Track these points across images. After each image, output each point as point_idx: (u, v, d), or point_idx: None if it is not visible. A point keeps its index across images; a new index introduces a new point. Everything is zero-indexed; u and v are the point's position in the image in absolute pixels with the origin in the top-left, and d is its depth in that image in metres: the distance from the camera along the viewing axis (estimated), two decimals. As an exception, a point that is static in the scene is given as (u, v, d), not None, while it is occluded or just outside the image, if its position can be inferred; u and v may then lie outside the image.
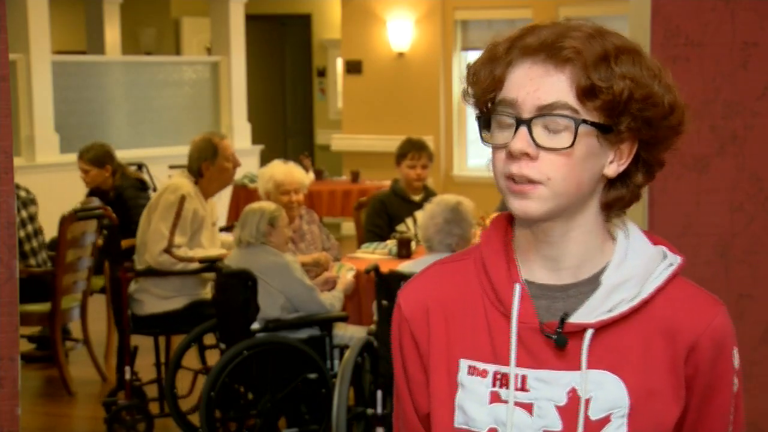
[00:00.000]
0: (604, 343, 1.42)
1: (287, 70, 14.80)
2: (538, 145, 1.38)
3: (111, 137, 9.65)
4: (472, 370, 1.46)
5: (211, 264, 5.12)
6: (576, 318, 1.42)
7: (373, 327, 4.67)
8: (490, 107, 1.44)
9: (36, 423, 5.64)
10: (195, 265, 5.21)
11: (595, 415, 1.41)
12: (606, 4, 9.95)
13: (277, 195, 5.44)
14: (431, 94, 11.14)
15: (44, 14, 9.64)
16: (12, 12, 8.83)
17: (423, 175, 6.07)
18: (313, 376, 4.71)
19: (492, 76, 1.43)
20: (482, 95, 1.44)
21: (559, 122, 1.38)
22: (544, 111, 1.38)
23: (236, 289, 4.70)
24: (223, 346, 4.90)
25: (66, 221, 5.81)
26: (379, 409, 4.47)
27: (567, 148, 1.38)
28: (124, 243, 5.61)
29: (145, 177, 7.18)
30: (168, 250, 5.19)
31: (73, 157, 7.37)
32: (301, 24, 14.13)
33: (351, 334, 4.96)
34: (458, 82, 11.18)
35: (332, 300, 4.95)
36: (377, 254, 5.66)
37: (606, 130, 1.40)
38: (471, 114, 12.37)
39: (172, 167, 9.12)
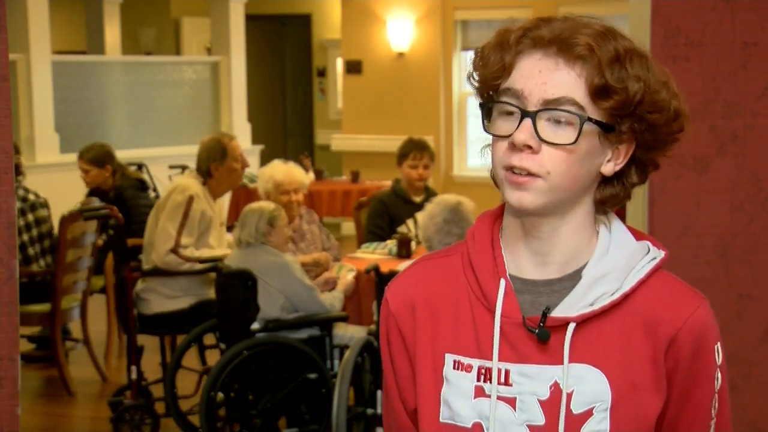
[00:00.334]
0: (586, 337, 1.43)
1: (287, 70, 14.80)
2: (541, 139, 1.38)
3: (111, 137, 9.65)
4: (457, 365, 1.47)
5: (217, 264, 5.13)
6: (558, 312, 1.43)
7: (373, 327, 4.67)
8: (493, 94, 1.44)
9: (36, 423, 5.64)
10: (201, 265, 5.21)
11: (577, 408, 1.42)
12: (606, 4, 9.95)
13: (277, 195, 5.45)
14: (431, 94, 11.14)
15: (44, 14, 9.64)
16: (12, 12, 8.83)
17: (425, 175, 6.07)
18: (313, 376, 4.71)
19: (501, 62, 1.43)
20: (488, 81, 1.44)
21: (563, 117, 1.38)
22: (551, 105, 1.38)
23: (236, 289, 4.70)
24: (223, 346, 4.90)
25: (66, 221, 5.81)
26: (379, 409, 4.47)
27: (570, 144, 1.38)
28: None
29: (145, 177, 7.18)
30: (175, 250, 5.20)
31: (73, 157, 7.37)
32: (301, 24, 14.13)
33: (351, 334, 4.96)
34: (458, 82, 11.18)
35: (332, 300, 4.95)
36: (377, 254, 5.66)
37: (608, 130, 1.40)
38: (471, 114, 12.34)
39: (172, 167, 9.13)
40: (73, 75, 10.18)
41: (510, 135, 1.40)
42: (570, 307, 1.43)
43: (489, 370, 1.45)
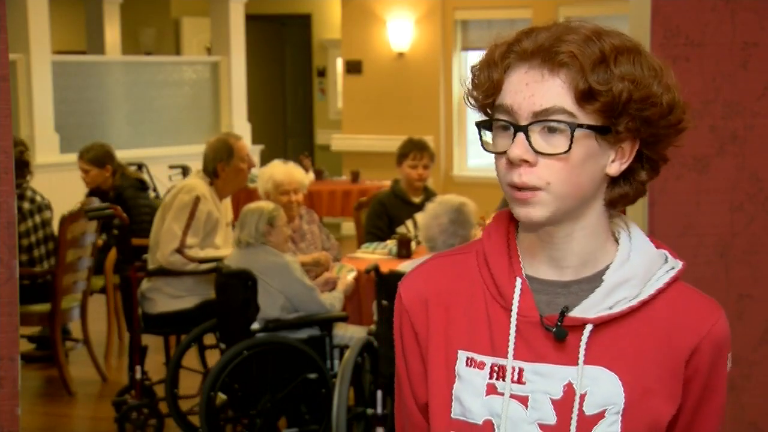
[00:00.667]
0: (602, 340, 1.43)
1: (287, 70, 14.80)
2: (536, 151, 1.39)
3: (111, 137, 9.65)
4: (469, 362, 1.47)
5: (217, 264, 5.13)
6: (576, 312, 1.44)
7: (373, 327, 4.67)
8: (489, 112, 1.45)
9: (36, 423, 5.64)
10: (206, 265, 5.22)
11: (589, 410, 1.42)
12: (606, 4, 9.96)
13: (277, 195, 5.45)
14: (431, 94, 11.14)
15: (44, 14, 9.64)
16: (12, 12, 8.83)
17: (424, 176, 6.07)
18: (313, 376, 4.71)
19: (490, 80, 1.43)
20: (482, 99, 1.45)
21: (555, 127, 1.38)
22: (540, 116, 1.39)
23: (236, 289, 4.70)
24: (223, 346, 4.90)
25: (66, 221, 5.81)
26: (379, 409, 4.46)
27: (564, 153, 1.38)
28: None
29: (145, 177, 7.18)
30: (180, 250, 5.20)
31: (73, 157, 7.37)
32: (301, 24, 14.13)
33: (351, 334, 4.96)
34: (458, 82, 11.18)
35: (332, 300, 4.95)
36: (377, 254, 5.66)
37: (604, 132, 1.40)
38: (471, 114, 12.38)
39: (172, 167, 9.13)
40: (73, 75, 10.18)
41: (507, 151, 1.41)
42: (588, 309, 1.44)
43: (502, 368, 1.45)
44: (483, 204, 5.97)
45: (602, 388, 1.42)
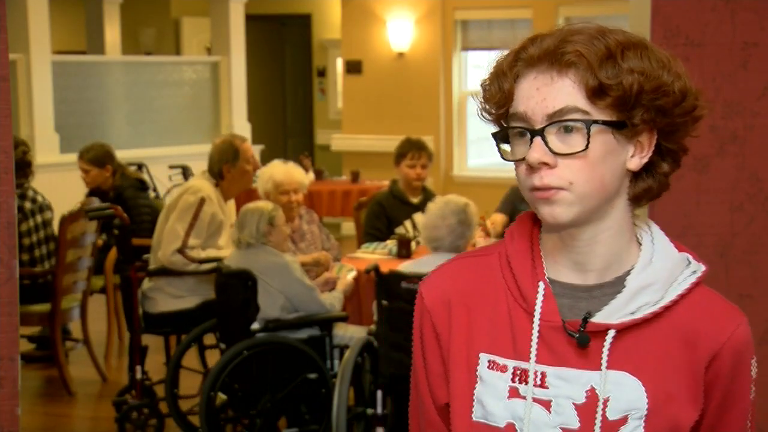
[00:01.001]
0: (624, 345, 1.43)
1: (287, 70, 14.80)
2: (554, 153, 1.39)
3: (111, 137, 9.65)
4: (491, 365, 1.47)
5: (217, 264, 5.13)
6: (598, 318, 1.43)
7: (373, 327, 4.67)
8: (504, 124, 1.45)
9: (36, 423, 5.64)
10: (207, 265, 5.22)
11: (612, 415, 1.42)
12: (606, 4, 9.95)
13: (277, 195, 5.45)
14: (431, 94, 11.14)
15: (44, 14, 9.64)
16: (12, 12, 8.83)
17: (423, 175, 6.06)
18: (313, 376, 4.71)
19: (501, 91, 1.43)
20: (496, 111, 1.45)
21: (571, 126, 1.39)
22: (554, 118, 1.39)
23: (236, 289, 4.70)
24: (223, 346, 4.90)
25: (66, 221, 5.81)
26: (379, 409, 4.46)
27: (582, 151, 1.38)
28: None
29: (145, 177, 7.18)
30: (181, 251, 5.21)
31: (73, 157, 7.37)
32: (301, 24, 14.13)
33: (351, 334, 4.95)
34: (458, 82, 11.18)
35: (332, 300, 4.95)
36: (377, 254, 5.66)
37: (620, 126, 1.40)
38: (471, 114, 12.34)
39: (172, 167, 9.13)
40: (73, 75, 10.18)
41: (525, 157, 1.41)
42: (611, 314, 1.43)
43: (525, 372, 1.45)
44: (483, 204, 5.97)
45: (625, 394, 1.42)
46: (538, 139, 1.39)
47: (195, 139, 11.03)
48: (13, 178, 2.60)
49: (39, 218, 6.09)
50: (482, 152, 11.38)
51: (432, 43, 11.09)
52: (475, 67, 11.25)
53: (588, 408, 1.42)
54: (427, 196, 5.93)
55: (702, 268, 1.49)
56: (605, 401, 1.42)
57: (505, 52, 1.45)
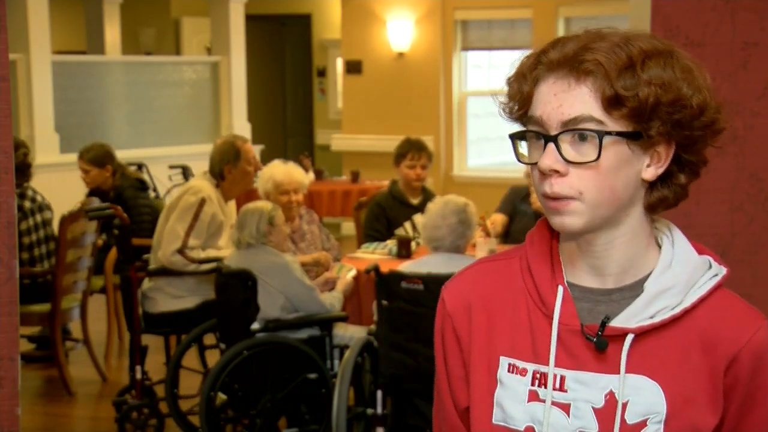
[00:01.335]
0: (643, 349, 1.43)
1: (287, 70, 14.80)
2: (566, 161, 1.38)
3: (111, 137, 9.65)
4: (512, 368, 1.48)
5: (217, 264, 5.13)
6: (617, 322, 1.43)
7: (373, 327, 4.67)
8: (523, 124, 1.45)
9: (36, 423, 5.64)
10: (207, 266, 5.22)
11: (631, 419, 1.42)
12: (606, 4, 9.94)
13: (277, 195, 5.45)
14: (431, 94, 11.14)
15: (44, 14, 9.63)
16: (12, 12, 8.83)
17: (422, 176, 6.06)
18: (313, 376, 4.71)
19: (521, 92, 1.43)
20: (516, 111, 1.45)
21: (585, 135, 1.38)
22: (569, 126, 1.38)
23: (236, 289, 4.70)
24: (223, 346, 4.90)
25: (66, 221, 5.81)
26: (379, 409, 4.46)
27: (593, 161, 1.38)
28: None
29: (145, 177, 7.18)
30: (181, 251, 5.21)
31: (73, 157, 7.37)
32: (301, 24, 14.13)
33: (351, 334, 4.95)
34: (458, 82, 11.18)
35: (332, 300, 4.95)
36: (377, 254, 5.65)
37: (635, 137, 1.39)
38: (471, 114, 12.35)
39: (172, 167, 9.13)
40: (73, 75, 10.18)
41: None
42: (629, 318, 1.43)
43: (544, 375, 1.45)
44: (483, 204, 5.97)
45: (644, 398, 1.42)
46: (551, 146, 1.39)
47: (195, 139, 11.03)
48: (13, 178, 2.60)
49: (38, 217, 6.09)
50: (482, 152, 11.38)
51: (432, 43, 11.09)
52: (475, 67, 11.26)
53: (607, 412, 1.42)
54: (427, 196, 5.92)
55: (723, 271, 1.48)
56: (624, 405, 1.42)
57: (529, 53, 1.45)
